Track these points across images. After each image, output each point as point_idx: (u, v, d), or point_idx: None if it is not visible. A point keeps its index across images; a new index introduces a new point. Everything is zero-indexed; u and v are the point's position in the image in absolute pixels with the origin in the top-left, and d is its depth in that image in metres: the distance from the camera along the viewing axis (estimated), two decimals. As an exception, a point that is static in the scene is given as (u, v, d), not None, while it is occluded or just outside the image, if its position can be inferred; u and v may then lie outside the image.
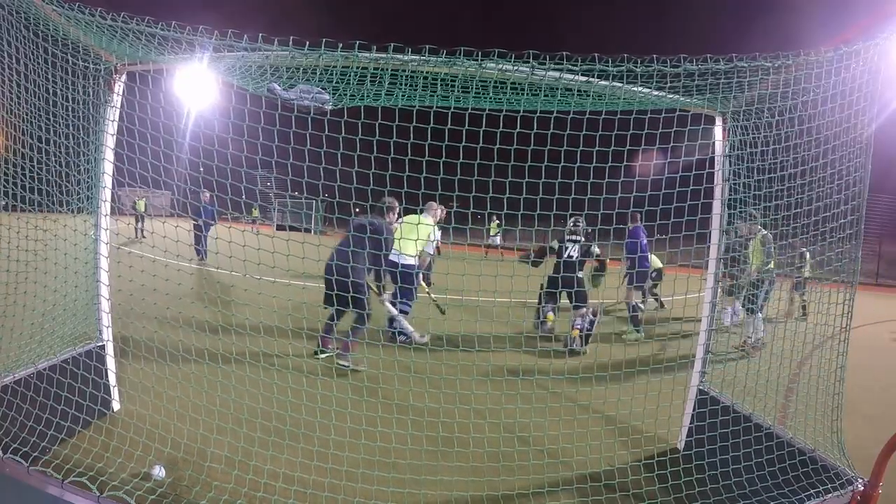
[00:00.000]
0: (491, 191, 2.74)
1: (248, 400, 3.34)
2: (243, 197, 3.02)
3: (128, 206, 16.72)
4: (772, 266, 5.76)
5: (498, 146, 2.63)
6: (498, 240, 16.33)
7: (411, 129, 2.59)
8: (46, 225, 2.93)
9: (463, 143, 2.60)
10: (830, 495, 2.32)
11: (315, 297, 5.12)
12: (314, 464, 2.79)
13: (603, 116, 2.69)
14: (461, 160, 2.63)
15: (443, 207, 10.64)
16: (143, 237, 15.50)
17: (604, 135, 2.70)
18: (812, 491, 2.40)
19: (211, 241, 10.46)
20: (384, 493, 2.67)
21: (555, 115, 2.64)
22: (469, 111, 2.73)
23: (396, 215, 5.32)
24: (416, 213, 5.97)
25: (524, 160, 2.69)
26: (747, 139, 3.00)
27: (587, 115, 2.70)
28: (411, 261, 5.63)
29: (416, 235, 5.52)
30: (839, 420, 2.58)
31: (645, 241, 6.85)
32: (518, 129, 2.64)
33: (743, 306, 6.03)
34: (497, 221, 14.84)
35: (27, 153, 2.82)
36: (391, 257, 5.26)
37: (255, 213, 27.31)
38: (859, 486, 2.33)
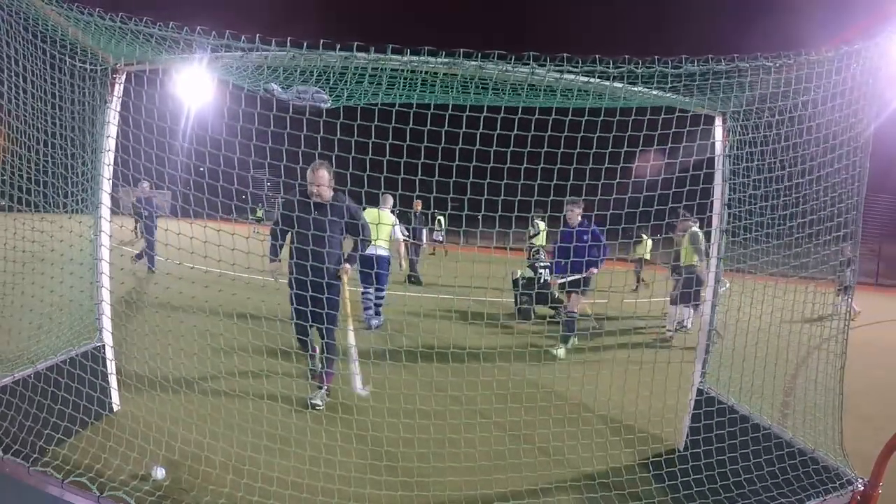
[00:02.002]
0: (500, 193, 2.72)
1: (247, 401, 3.34)
2: (249, 199, 3.01)
3: (126, 207, 16.70)
4: (696, 261, 6.28)
5: (508, 148, 2.64)
6: (440, 236, 16.78)
7: (407, 130, 2.59)
8: (44, 226, 2.93)
9: (461, 146, 2.59)
10: (830, 495, 2.32)
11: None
12: (309, 468, 2.79)
13: (602, 118, 2.69)
14: (472, 162, 2.63)
15: (418, 203, 10.68)
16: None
17: (602, 136, 2.70)
18: (812, 491, 2.40)
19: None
20: (379, 495, 2.67)
21: (553, 116, 2.63)
22: (466, 113, 2.72)
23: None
24: (375, 208, 5.92)
25: (524, 160, 2.69)
26: (747, 139, 2.99)
27: (592, 119, 2.69)
28: (372, 250, 5.57)
29: (377, 230, 5.48)
30: (839, 420, 2.57)
31: (603, 240, 5.58)
32: (515, 131, 2.64)
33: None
34: (440, 219, 15.35)
35: (25, 154, 2.82)
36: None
37: (259, 213, 27.27)
38: (859, 486, 2.32)
